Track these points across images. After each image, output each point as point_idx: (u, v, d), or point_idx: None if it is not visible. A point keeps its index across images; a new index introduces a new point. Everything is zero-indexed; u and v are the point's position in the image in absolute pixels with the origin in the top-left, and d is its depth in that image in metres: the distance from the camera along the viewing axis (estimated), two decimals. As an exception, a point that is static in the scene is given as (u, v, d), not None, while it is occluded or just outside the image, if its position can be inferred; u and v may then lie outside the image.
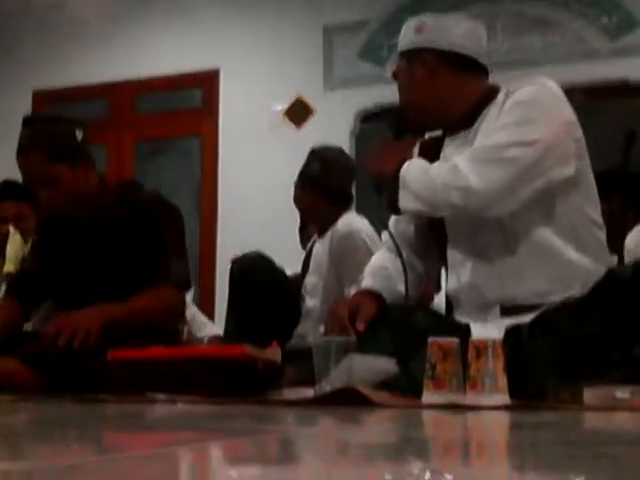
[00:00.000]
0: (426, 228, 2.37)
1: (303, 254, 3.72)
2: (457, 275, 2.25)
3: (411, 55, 2.31)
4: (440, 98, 2.28)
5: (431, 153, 2.32)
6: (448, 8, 5.52)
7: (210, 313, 5.08)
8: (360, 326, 2.13)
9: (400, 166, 2.19)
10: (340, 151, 3.70)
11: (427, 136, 2.46)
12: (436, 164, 2.19)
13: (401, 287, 2.31)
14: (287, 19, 5.87)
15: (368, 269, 2.39)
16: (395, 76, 2.37)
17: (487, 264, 2.19)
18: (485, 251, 2.20)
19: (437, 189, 2.11)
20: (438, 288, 4.39)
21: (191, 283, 2.78)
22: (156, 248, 2.68)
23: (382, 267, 2.36)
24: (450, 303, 2.32)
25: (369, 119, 5.72)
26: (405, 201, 2.17)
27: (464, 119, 2.27)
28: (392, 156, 2.24)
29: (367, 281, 2.34)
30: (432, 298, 4.29)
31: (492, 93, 2.26)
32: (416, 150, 2.40)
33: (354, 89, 5.63)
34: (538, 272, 2.13)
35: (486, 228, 2.18)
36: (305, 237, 4.54)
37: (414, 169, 2.18)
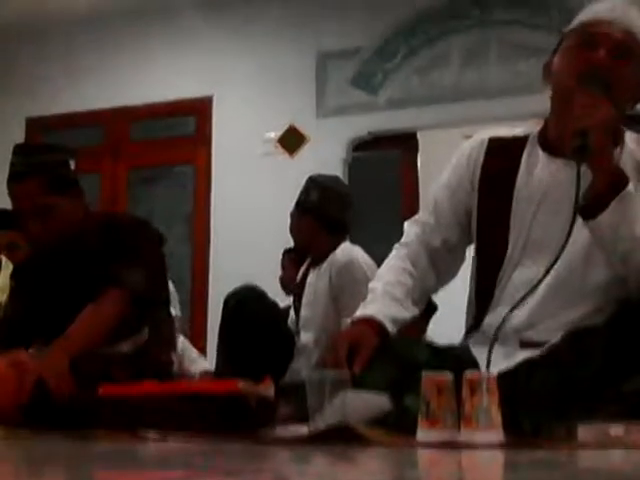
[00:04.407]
0: (461, 247, 2.26)
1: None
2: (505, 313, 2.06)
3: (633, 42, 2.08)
4: (626, 101, 2.12)
5: (505, 154, 2.20)
6: (441, 35, 5.55)
7: (202, 344, 5.06)
8: (357, 369, 2.05)
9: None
10: (337, 179, 3.68)
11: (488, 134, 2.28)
12: None
13: (406, 314, 2.19)
14: (280, 47, 5.90)
15: (377, 285, 2.22)
16: (618, 46, 2.06)
17: (546, 304, 2.07)
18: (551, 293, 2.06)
19: None
20: (427, 322, 4.33)
21: (150, 292, 2.68)
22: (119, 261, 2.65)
23: (389, 284, 2.20)
24: (470, 330, 2.19)
25: (362, 147, 5.73)
26: (609, 217, 1.91)
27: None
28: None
29: (372, 306, 2.18)
30: (424, 332, 4.26)
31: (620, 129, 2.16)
32: (484, 146, 2.23)
33: (347, 117, 5.65)
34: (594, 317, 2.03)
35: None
36: (286, 268, 4.51)
37: None
